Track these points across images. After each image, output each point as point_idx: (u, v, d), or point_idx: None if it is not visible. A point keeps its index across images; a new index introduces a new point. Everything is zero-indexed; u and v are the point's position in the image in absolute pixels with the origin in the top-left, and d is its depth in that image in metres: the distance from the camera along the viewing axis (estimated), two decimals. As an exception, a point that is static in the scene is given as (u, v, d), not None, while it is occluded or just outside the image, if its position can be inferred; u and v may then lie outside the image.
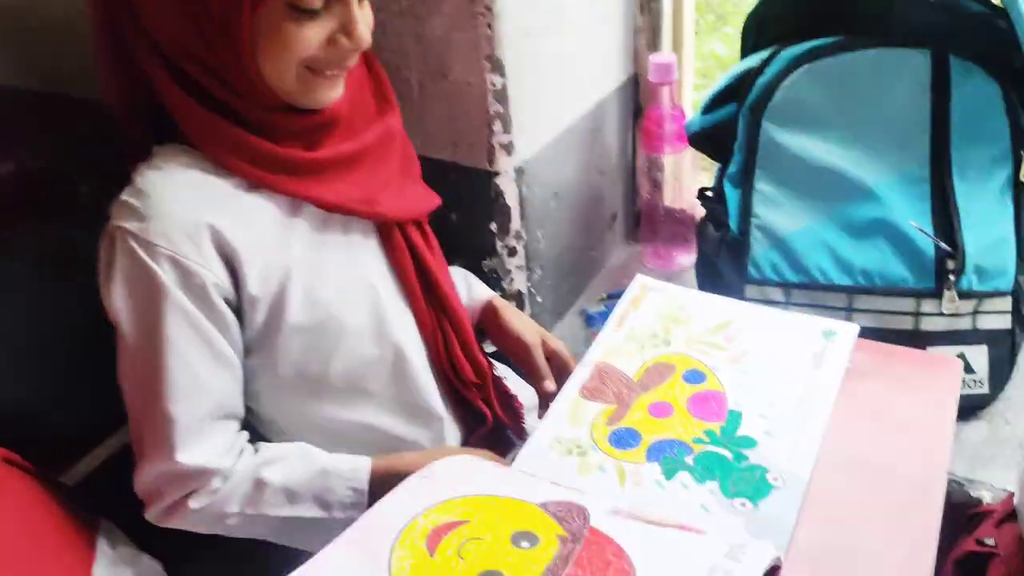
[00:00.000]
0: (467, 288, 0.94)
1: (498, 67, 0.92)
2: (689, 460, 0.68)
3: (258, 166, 0.72)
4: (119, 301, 0.70)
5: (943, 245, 0.89)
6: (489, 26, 0.89)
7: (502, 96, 0.93)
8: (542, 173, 1.05)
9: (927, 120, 0.91)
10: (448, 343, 0.86)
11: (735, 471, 0.66)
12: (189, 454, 0.72)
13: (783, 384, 0.75)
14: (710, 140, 1.11)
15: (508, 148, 0.97)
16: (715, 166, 1.12)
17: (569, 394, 0.77)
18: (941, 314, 0.90)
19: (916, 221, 0.90)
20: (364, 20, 0.70)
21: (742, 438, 0.70)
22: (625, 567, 0.48)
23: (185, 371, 0.71)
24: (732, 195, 1.02)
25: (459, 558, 0.51)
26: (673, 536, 0.52)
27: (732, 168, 1.03)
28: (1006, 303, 0.90)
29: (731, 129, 1.05)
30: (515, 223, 1.02)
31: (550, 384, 0.88)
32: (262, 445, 0.78)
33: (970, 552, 0.77)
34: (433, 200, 0.87)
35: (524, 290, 1.09)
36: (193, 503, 0.73)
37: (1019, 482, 0.77)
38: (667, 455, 0.69)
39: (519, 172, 1.00)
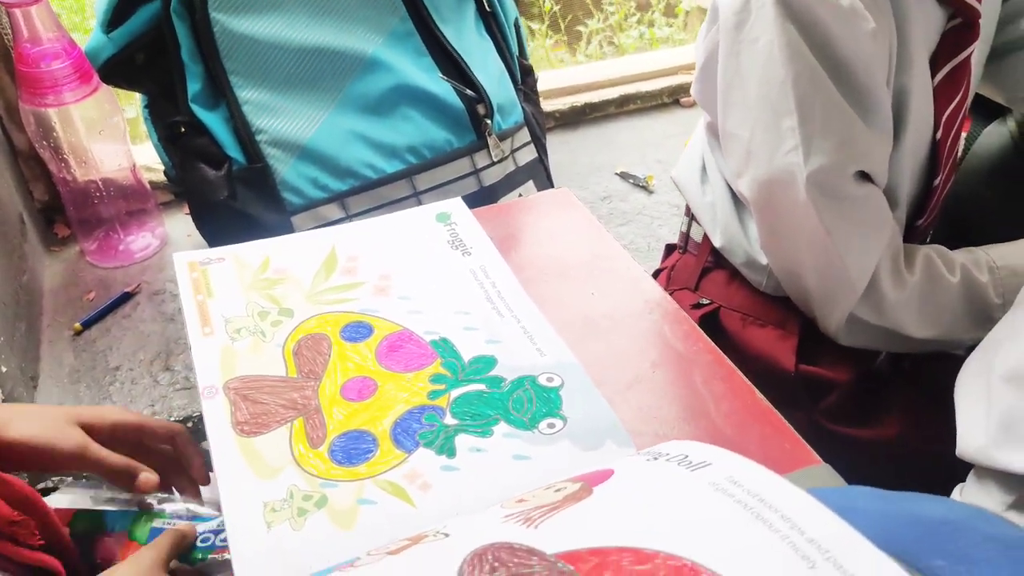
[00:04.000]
0: None
1: None
2: (449, 420, 0.51)
3: None
4: None
5: (469, 92, 0.83)
6: None
7: None
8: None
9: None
10: None
11: (504, 397, 0.52)
12: None
13: (452, 286, 0.62)
14: (131, 64, 0.82)
15: None
16: (133, 104, 0.85)
17: (223, 442, 0.50)
18: (493, 163, 0.86)
19: (429, 76, 0.82)
20: None
21: (475, 361, 0.55)
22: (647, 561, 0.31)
23: None
24: (212, 119, 0.78)
25: None
26: (621, 496, 0.36)
27: (194, 86, 0.78)
28: (525, 135, 0.91)
29: (159, 40, 0.79)
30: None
31: (150, 475, 0.56)
32: None
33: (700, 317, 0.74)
34: None
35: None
36: None
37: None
38: (422, 432, 0.50)
39: None
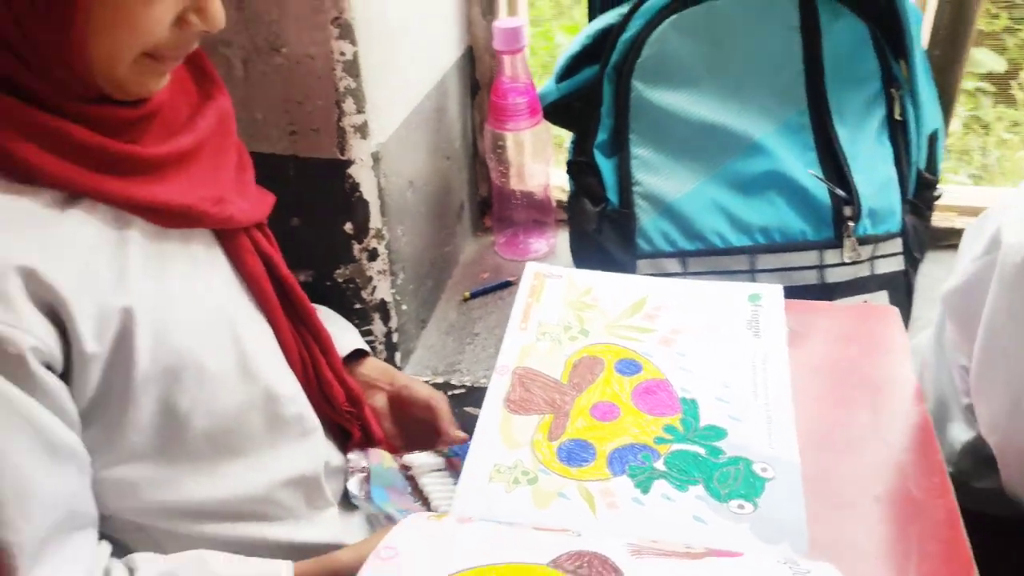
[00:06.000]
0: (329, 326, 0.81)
1: (347, 32, 0.75)
2: (659, 465, 0.58)
3: (82, 165, 0.53)
4: None
5: (840, 192, 0.86)
6: (335, -20, 0.73)
7: (353, 68, 0.76)
8: (397, 159, 0.90)
9: (800, 65, 0.88)
10: (316, 365, 0.73)
11: (716, 469, 0.57)
12: None
13: (728, 360, 0.67)
14: (569, 110, 1.02)
15: (362, 131, 0.80)
16: (567, 141, 1.03)
17: (492, 411, 0.63)
18: (843, 263, 0.87)
19: (806, 169, 0.86)
20: None
21: (708, 428, 0.60)
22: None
23: (14, 482, 0.51)
24: (606, 165, 0.94)
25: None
26: (719, 569, 0.41)
27: (602, 135, 0.94)
28: (897, 245, 0.89)
29: (592, 95, 0.96)
30: (375, 220, 0.86)
31: (461, 433, 0.78)
32: (138, 561, 0.59)
33: None
34: (269, 198, 0.71)
35: (389, 299, 0.94)
36: None
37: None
38: (632, 464, 0.58)
39: (375, 159, 0.83)
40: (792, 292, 0.79)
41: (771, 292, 0.74)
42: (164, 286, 0.59)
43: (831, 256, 0.87)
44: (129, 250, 0.57)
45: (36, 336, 0.50)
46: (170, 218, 0.59)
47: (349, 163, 0.82)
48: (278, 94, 0.79)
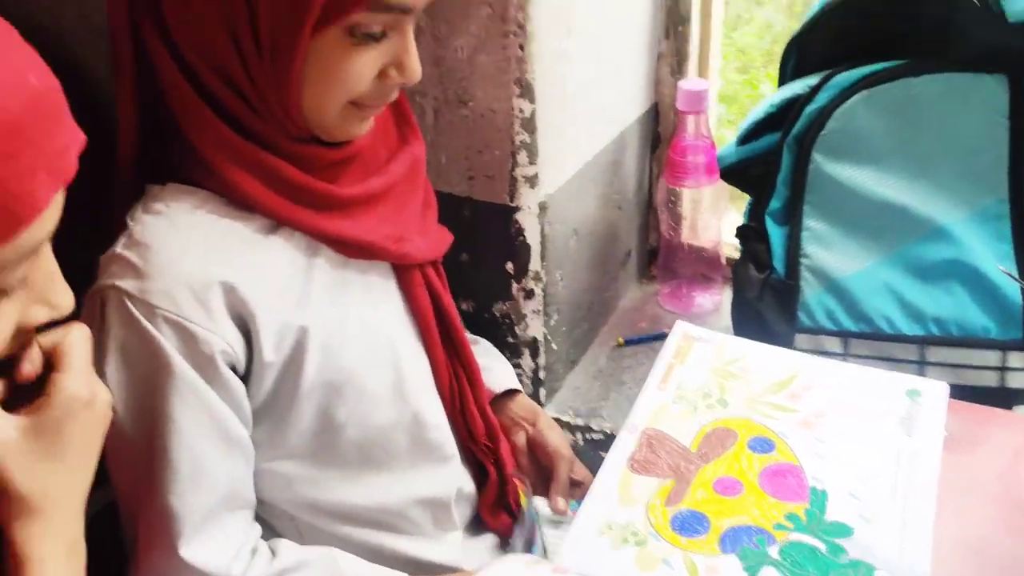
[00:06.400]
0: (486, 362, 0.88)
1: (528, 92, 0.81)
2: (773, 552, 0.56)
3: (287, 198, 0.62)
4: (112, 376, 0.59)
5: (1037, 294, 0.79)
6: (521, 47, 0.79)
7: (530, 124, 0.82)
8: (564, 208, 0.94)
9: (1005, 151, 0.82)
10: (463, 397, 0.78)
11: (833, 568, 0.55)
12: (196, 551, 0.61)
13: (870, 455, 0.64)
14: (746, 173, 1.01)
15: (532, 181, 0.86)
16: (743, 200, 1.02)
17: (615, 467, 0.65)
18: (1031, 370, 0.79)
19: (997, 262, 0.80)
20: (415, 50, 0.61)
21: (833, 524, 0.58)
22: None
23: (191, 458, 0.60)
24: (776, 233, 0.92)
25: None
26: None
27: (775, 203, 0.93)
28: (1098, 358, 0.80)
29: (770, 161, 0.95)
30: (535, 263, 0.91)
31: (564, 505, 0.80)
32: (281, 546, 0.67)
33: None
34: (448, 236, 0.78)
35: (540, 337, 0.97)
36: None
37: None
38: (745, 545, 0.57)
39: (542, 208, 0.88)
40: (962, 392, 0.74)
41: (934, 389, 0.69)
42: (339, 310, 0.66)
43: (1016, 359, 0.79)
44: (314, 275, 0.65)
45: (227, 341, 0.59)
46: (353, 250, 0.67)
47: (516, 209, 0.87)
48: (461, 142, 0.86)
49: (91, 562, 0.51)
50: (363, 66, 0.59)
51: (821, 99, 0.88)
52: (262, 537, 0.68)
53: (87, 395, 0.47)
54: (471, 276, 0.93)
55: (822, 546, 0.56)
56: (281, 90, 0.58)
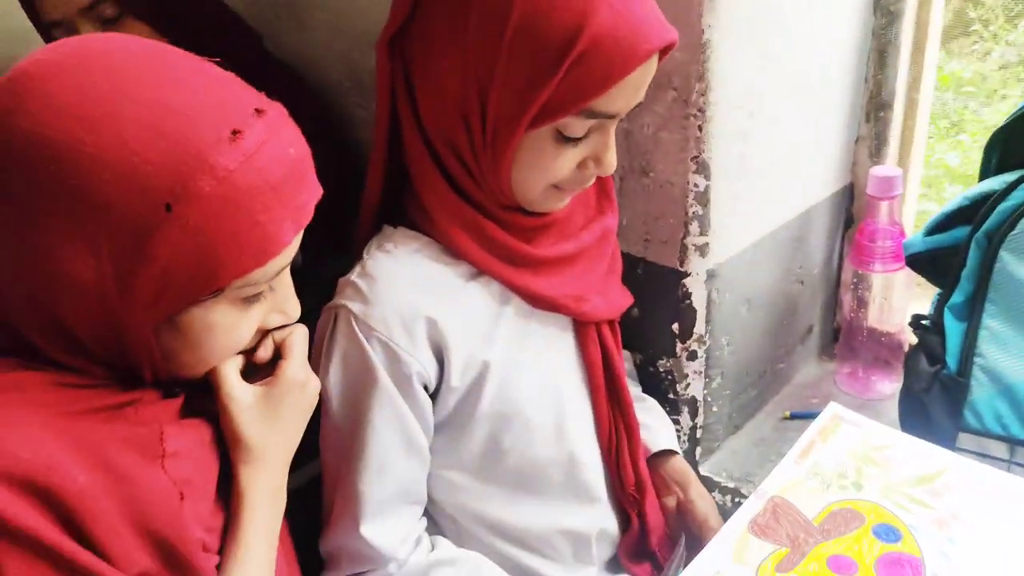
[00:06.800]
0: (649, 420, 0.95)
1: (703, 169, 0.89)
2: (872, 635, 0.59)
3: (488, 251, 0.74)
4: (333, 376, 0.73)
5: None
6: (700, 128, 0.87)
7: (703, 198, 0.90)
8: (735, 278, 1.00)
9: None
10: (619, 447, 0.86)
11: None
12: (373, 530, 0.74)
13: (1000, 563, 0.64)
14: (932, 263, 1.00)
15: (702, 250, 0.93)
16: (931, 290, 1.01)
17: (736, 527, 0.70)
18: None
19: None
20: (614, 146, 0.72)
21: (941, 622, 0.59)
22: None
23: (381, 453, 0.73)
24: (953, 328, 0.91)
25: None
26: None
27: (956, 298, 0.91)
28: None
29: (958, 254, 0.94)
30: (699, 327, 0.97)
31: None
32: (439, 541, 0.79)
33: None
34: (628, 298, 0.87)
35: (699, 397, 1.03)
36: None
37: None
38: (845, 622, 0.60)
39: (710, 275, 0.95)
40: None
41: (1091, 512, 0.67)
42: (519, 352, 0.78)
43: None
44: (503, 319, 0.77)
45: (423, 365, 0.73)
46: (538, 303, 0.78)
47: (686, 275, 0.94)
48: (641, 208, 0.95)
49: (294, 515, 0.66)
50: (565, 160, 0.70)
51: (1016, 197, 0.86)
52: (427, 531, 0.80)
53: (303, 379, 0.63)
54: (640, 331, 1.01)
55: (922, 638, 0.57)
56: (496, 169, 0.70)
